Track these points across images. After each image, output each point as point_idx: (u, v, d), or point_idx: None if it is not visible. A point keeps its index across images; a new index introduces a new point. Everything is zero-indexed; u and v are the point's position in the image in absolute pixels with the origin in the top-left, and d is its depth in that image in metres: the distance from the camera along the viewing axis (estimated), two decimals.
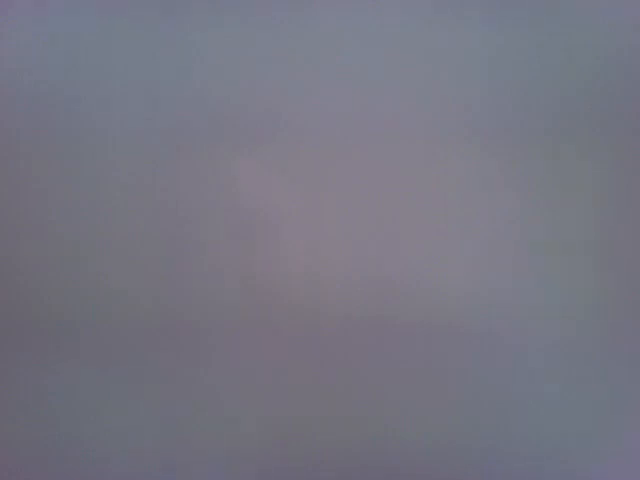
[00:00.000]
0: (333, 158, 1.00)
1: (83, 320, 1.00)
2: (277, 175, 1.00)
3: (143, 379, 1.00)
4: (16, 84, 1.01)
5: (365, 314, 0.99)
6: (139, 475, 1.01)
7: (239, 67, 1.01)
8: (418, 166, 1.00)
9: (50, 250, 1.01)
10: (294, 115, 1.00)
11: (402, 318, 0.99)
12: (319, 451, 1.00)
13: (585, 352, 0.99)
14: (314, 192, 1.00)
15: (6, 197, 1.01)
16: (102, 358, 1.00)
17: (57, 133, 1.01)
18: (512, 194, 0.99)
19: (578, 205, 0.99)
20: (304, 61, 1.00)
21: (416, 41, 1.00)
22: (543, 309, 0.99)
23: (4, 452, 1.01)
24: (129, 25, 1.01)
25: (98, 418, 1.01)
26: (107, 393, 1.00)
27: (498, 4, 1.00)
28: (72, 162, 1.01)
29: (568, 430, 0.99)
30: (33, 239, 1.01)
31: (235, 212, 1.00)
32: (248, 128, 1.00)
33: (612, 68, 0.99)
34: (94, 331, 1.00)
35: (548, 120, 0.99)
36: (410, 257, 0.99)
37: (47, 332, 1.00)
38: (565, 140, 0.99)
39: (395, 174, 1.00)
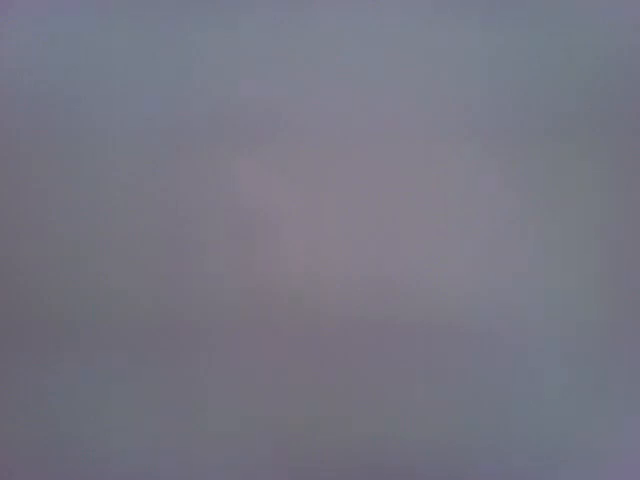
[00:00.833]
0: (333, 158, 1.00)
1: (83, 320, 1.00)
2: (277, 175, 1.00)
3: (143, 379, 1.00)
4: (16, 84, 1.01)
5: (365, 314, 0.99)
6: (139, 475, 1.01)
7: (239, 67, 1.01)
8: (418, 166, 1.00)
9: (50, 250, 1.01)
10: (294, 115, 1.00)
11: (402, 318, 0.99)
12: (319, 451, 1.00)
13: (585, 352, 0.99)
14: (314, 192, 1.00)
15: (6, 197, 1.01)
16: (102, 358, 1.00)
17: (57, 133, 1.01)
18: (512, 194, 0.99)
19: (578, 205, 0.99)
20: (304, 61, 1.01)
21: (416, 41, 1.00)
22: (543, 309, 0.99)
23: (4, 452, 1.01)
24: (129, 25, 1.01)
25: (98, 418, 1.01)
26: (107, 393, 1.00)
27: (498, 4, 1.00)
28: (72, 162, 1.01)
29: (568, 430, 0.99)
30: (33, 239, 1.01)
31: (235, 212, 1.00)
32: (248, 128, 1.00)
33: (612, 68, 0.99)
34: (94, 331, 1.00)
35: (548, 120, 0.99)
36: (410, 257, 0.99)
37: (47, 332, 1.00)
38: (565, 140, 0.99)
39: (395, 174, 1.00)
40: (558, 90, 0.99)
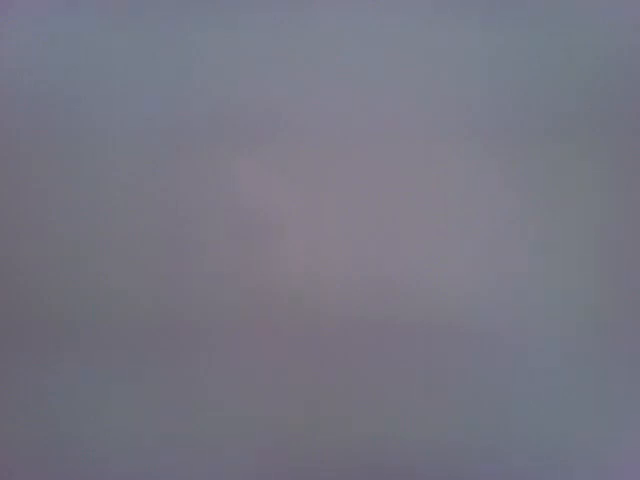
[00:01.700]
0: (333, 158, 1.00)
1: (83, 320, 1.00)
2: (277, 175, 1.00)
3: (143, 379, 1.00)
4: (16, 84, 1.01)
5: (365, 314, 0.99)
6: (139, 475, 1.01)
7: (239, 67, 1.01)
8: (418, 166, 1.00)
9: (50, 250, 1.01)
10: (294, 115, 1.00)
11: (402, 318, 0.99)
12: (319, 451, 1.00)
13: (585, 352, 0.99)
14: (314, 192, 1.00)
15: (6, 197, 1.01)
16: (102, 358, 1.00)
17: (57, 133, 1.01)
18: (512, 194, 0.99)
19: (578, 205, 0.99)
20: (304, 61, 1.00)
21: (416, 41, 1.00)
22: (543, 309, 0.99)
23: (4, 452, 1.01)
24: (129, 25, 1.01)
25: (98, 418, 1.01)
26: (107, 393, 1.00)
27: (498, 4, 1.00)
28: (72, 162, 1.01)
29: (568, 430, 0.99)
30: (33, 239, 1.01)
31: (235, 212, 1.00)
32: (248, 128, 1.00)
33: (612, 68, 0.99)
34: (94, 331, 1.00)
35: (548, 120, 0.99)
36: (410, 257, 0.99)
37: (47, 332, 1.00)
38: (565, 140, 0.99)
39: (395, 174, 1.00)
40: (558, 90, 0.99)
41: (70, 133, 1.01)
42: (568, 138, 0.99)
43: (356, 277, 0.99)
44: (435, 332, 0.99)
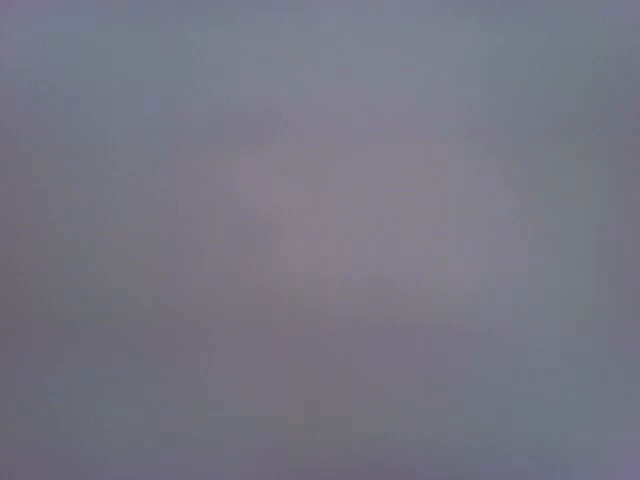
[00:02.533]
0: (333, 158, 1.00)
1: (83, 320, 1.00)
2: (277, 175, 1.00)
3: (143, 379, 1.00)
4: (16, 84, 1.01)
5: (365, 314, 0.99)
6: (139, 475, 1.01)
7: (239, 67, 1.01)
8: (418, 166, 1.00)
9: (50, 250, 1.01)
10: (294, 115, 1.00)
11: (402, 318, 0.99)
12: (319, 451, 1.00)
13: (585, 352, 0.99)
14: (314, 192, 1.00)
15: (6, 197, 1.01)
16: (102, 358, 1.00)
17: (57, 133, 1.01)
18: (512, 194, 0.99)
19: (578, 205, 0.99)
20: (304, 61, 1.00)
21: (416, 41, 1.00)
22: (543, 309, 0.99)
23: (4, 452, 1.01)
24: (129, 25, 1.01)
25: (98, 418, 1.01)
26: (107, 393, 1.00)
27: (498, 4, 1.00)
28: (72, 162, 1.01)
29: (568, 430, 0.99)
30: (33, 239, 1.01)
31: (235, 212, 1.00)
32: (248, 128, 1.00)
33: (612, 68, 0.99)
34: (94, 331, 1.00)
35: (548, 120, 0.99)
36: (410, 257, 0.99)
37: (47, 332, 1.00)
38: (565, 140, 0.99)
39: (395, 174, 1.00)
40: (558, 90, 0.99)
41: (70, 133, 1.01)
42: (568, 138, 0.99)
43: (356, 277, 0.99)
44: (435, 332, 0.99)
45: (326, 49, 1.00)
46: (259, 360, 1.00)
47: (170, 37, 1.01)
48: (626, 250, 0.99)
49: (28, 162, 1.01)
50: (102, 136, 1.01)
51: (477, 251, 0.99)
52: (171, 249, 1.00)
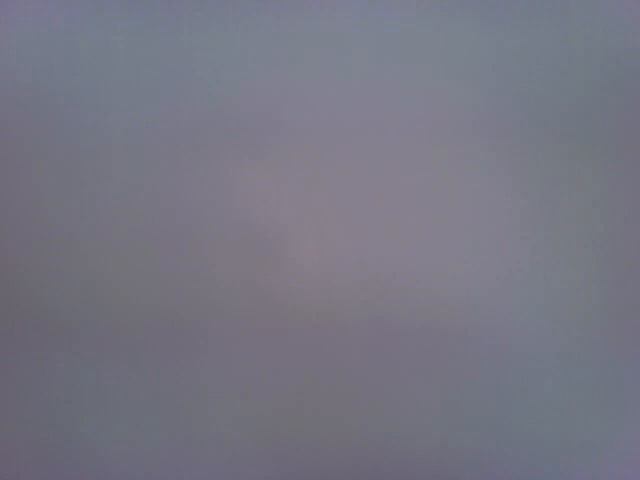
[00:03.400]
0: (336, 164, 1.00)
1: (83, 320, 1.00)
2: (280, 181, 1.00)
3: (143, 379, 1.00)
4: (16, 84, 1.01)
5: (365, 314, 0.99)
6: (139, 475, 1.01)
7: (239, 68, 1.01)
8: (420, 170, 1.00)
9: (50, 250, 1.01)
10: (295, 118, 1.00)
11: (402, 318, 0.99)
12: (319, 451, 1.00)
13: (585, 352, 0.99)
14: (317, 194, 1.00)
15: (6, 197, 1.01)
16: (102, 358, 1.00)
17: (57, 133, 1.01)
18: (512, 194, 0.99)
19: (578, 205, 0.99)
20: (305, 63, 1.00)
21: (417, 41, 1.00)
22: (543, 310, 0.99)
23: (4, 452, 1.01)
24: (129, 28, 1.01)
25: (98, 418, 1.01)
26: (107, 393, 1.00)
27: (499, 4, 1.00)
28: (72, 164, 1.01)
29: (568, 430, 0.99)
30: (33, 239, 1.01)
31: (235, 212, 1.00)
32: (249, 131, 1.00)
33: (612, 68, 0.99)
34: (94, 331, 1.00)
35: (548, 120, 0.99)
36: (412, 260, 0.99)
37: (47, 332, 1.00)
38: (565, 140, 0.99)
39: (397, 178, 1.00)
40: (558, 90, 0.99)
41: (70, 135, 1.01)
42: (568, 138, 0.99)
43: (357, 278, 1.00)
44: (435, 332, 0.99)
45: (326, 50, 1.00)
46: (259, 360, 1.00)
47: (170, 38, 1.01)
48: (626, 250, 0.99)
49: (28, 162, 1.01)
50: (102, 136, 1.01)
51: (477, 251, 0.99)
52: (171, 249, 1.00)
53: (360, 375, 1.00)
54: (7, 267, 1.01)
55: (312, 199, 1.00)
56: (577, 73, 0.99)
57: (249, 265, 1.00)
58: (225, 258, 1.00)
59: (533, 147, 0.99)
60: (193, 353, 1.00)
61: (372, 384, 1.00)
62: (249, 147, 1.00)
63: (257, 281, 1.00)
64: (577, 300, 0.99)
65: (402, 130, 1.00)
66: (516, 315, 0.99)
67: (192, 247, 1.00)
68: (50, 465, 1.01)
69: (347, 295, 1.00)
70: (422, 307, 0.99)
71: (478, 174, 1.00)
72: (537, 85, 1.00)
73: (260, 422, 1.00)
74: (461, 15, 1.00)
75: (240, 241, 1.00)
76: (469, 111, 1.00)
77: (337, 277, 1.00)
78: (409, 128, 1.00)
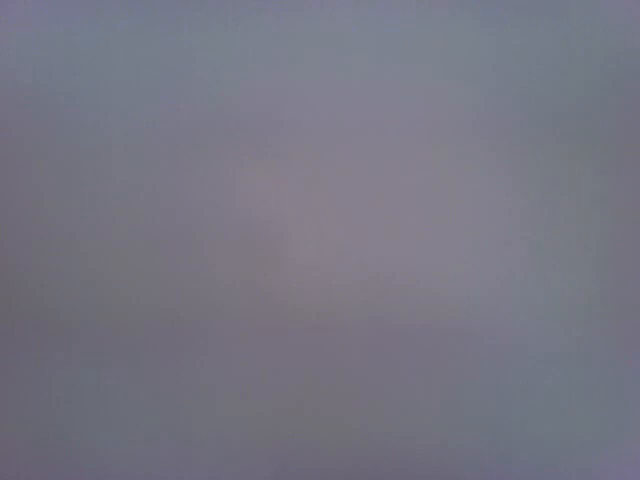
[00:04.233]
0: (336, 163, 1.00)
1: (83, 320, 1.00)
2: (280, 181, 1.00)
3: (143, 379, 1.00)
4: (16, 84, 1.01)
5: (365, 314, 0.99)
6: (139, 475, 1.01)
7: (239, 68, 1.01)
8: (420, 170, 1.00)
9: (50, 250, 1.01)
10: (296, 121, 1.00)
11: (402, 318, 0.99)
12: (319, 451, 1.00)
13: (585, 352, 0.99)
14: (316, 194, 1.00)
15: (6, 197, 1.01)
16: (102, 358, 1.00)
17: (57, 133, 1.01)
18: (512, 194, 0.99)
19: (578, 205, 0.99)
20: (305, 64, 1.00)
21: (416, 41, 1.00)
22: (543, 310, 0.99)
23: (4, 452, 1.01)
24: (129, 28, 1.01)
25: (98, 418, 1.01)
26: (107, 393, 1.00)
27: (499, 5, 1.00)
28: (72, 164, 1.01)
29: (568, 430, 0.99)
30: (33, 239, 1.01)
31: (235, 213, 1.00)
32: (249, 132, 1.00)
33: (612, 68, 0.99)
34: (94, 332, 1.00)
35: (548, 120, 0.99)
36: (411, 260, 0.99)
37: (47, 332, 1.00)
38: (565, 140, 0.99)
39: (397, 179, 1.00)
40: (558, 90, 0.99)
41: (70, 135, 1.01)
42: (568, 138, 0.99)
43: (357, 279, 1.00)
44: (435, 332, 0.99)
45: (326, 50, 1.00)
46: (259, 361, 1.00)
47: (170, 38, 1.01)
48: (626, 250, 0.99)
49: (28, 162, 1.01)
50: (102, 136, 1.01)
51: (477, 251, 0.99)
52: (171, 249, 1.00)
53: (360, 375, 1.00)
54: (7, 267, 1.01)
55: (312, 199, 1.00)
56: (577, 73, 0.99)
57: (249, 265, 1.00)
58: (225, 258, 1.00)
59: (533, 147, 0.99)
60: (193, 353, 1.00)
61: (372, 384, 1.00)
62: (249, 147, 1.00)
63: (257, 281, 1.00)
64: (577, 300, 0.99)
65: (402, 130, 1.00)
66: (516, 315, 0.99)
67: (192, 247, 1.00)
68: (50, 465, 1.01)
69: (347, 295, 1.00)
70: (422, 307, 0.99)
71: (478, 174, 1.00)
72: (537, 85, 1.00)
73: (260, 422, 1.00)
74: (461, 15, 1.00)
75: (240, 241, 1.00)
76: (469, 111, 1.00)
77: (337, 277, 1.00)
78: (409, 128, 1.00)
